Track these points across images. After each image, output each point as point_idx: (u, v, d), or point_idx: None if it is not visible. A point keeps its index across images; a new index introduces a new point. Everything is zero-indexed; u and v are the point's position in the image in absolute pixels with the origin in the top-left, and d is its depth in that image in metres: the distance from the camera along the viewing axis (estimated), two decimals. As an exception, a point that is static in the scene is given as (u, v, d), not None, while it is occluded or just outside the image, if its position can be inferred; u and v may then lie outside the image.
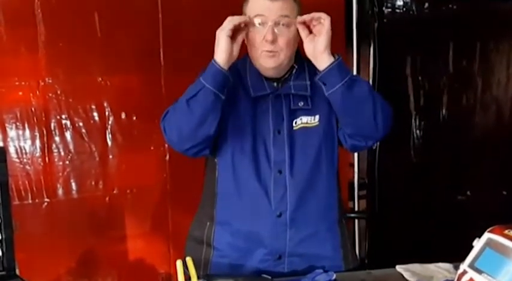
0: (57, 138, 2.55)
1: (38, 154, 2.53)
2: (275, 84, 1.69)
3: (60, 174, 2.56)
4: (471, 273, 1.26)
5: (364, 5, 2.97)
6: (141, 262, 2.71)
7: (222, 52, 1.56)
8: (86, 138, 2.59)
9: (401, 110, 3.01)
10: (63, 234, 2.56)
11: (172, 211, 2.71)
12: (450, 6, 2.97)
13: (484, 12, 2.95)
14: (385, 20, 2.96)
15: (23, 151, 2.51)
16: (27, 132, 2.51)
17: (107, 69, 2.58)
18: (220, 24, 1.59)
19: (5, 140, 2.48)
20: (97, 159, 2.61)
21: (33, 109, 2.51)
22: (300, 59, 1.71)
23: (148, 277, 2.71)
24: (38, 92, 2.51)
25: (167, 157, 2.68)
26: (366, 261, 3.06)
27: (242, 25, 1.59)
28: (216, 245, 1.71)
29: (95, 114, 2.60)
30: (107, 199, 2.64)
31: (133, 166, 2.66)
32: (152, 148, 2.67)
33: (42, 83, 2.51)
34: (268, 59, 1.62)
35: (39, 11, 2.46)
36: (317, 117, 1.69)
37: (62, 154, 2.56)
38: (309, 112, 1.68)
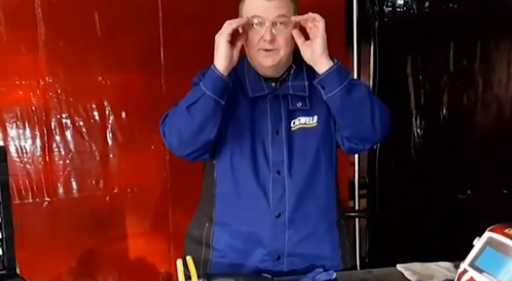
0: (57, 138, 2.55)
1: (38, 153, 2.53)
2: (273, 84, 1.69)
3: (61, 173, 2.57)
4: (471, 272, 1.26)
5: (365, 4, 2.96)
6: (142, 261, 2.72)
7: (222, 58, 1.56)
8: (86, 138, 2.59)
9: (402, 109, 3.00)
10: (64, 233, 2.57)
11: (172, 210, 2.72)
12: (451, 5, 2.97)
13: (484, 11, 2.94)
14: (385, 19, 2.96)
15: (24, 150, 2.51)
16: (28, 131, 2.51)
17: (107, 68, 2.59)
18: (221, 23, 1.59)
19: (5, 139, 2.48)
20: (97, 158, 2.61)
21: (33, 108, 2.51)
22: (298, 59, 1.70)
23: (148, 276, 2.71)
24: (38, 91, 2.51)
25: (167, 156, 2.68)
26: (367, 260, 3.06)
27: (241, 30, 1.59)
28: (215, 245, 1.72)
29: (96, 113, 2.60)
30: (108, 198, 2.64)
31: (134, 165, 2.66)
32: (153, 147, 2.67)
33: (43, 83, 2.51)
34: (267, 58, 1.62)
35: (39, 10, 2.46)
36: (315, 118, 1.69)
37: (63, 153, 2.56)
38: (308, 113, 1.68)
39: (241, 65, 1.70)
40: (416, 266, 1.68)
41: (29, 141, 2.52)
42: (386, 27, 2.96)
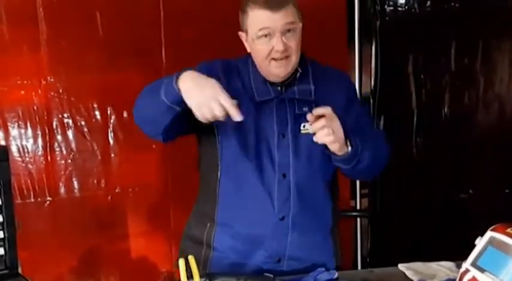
0: (59, 137, 2.56)
1: (40, 153, 2.53)
2: (279, 88, 1.68)
3: (62, 173, 2.57)
4: (473, 271, 1.26)
5: (366, 3, 2.96)
6: (143, 260, 2.72)
7: (196, 105, 1.46)
8: (87, 137, 2.59)
9: (403, 108, 3.00)
10: (66, 233, 2.57)
11: (174, 210, 2.72)
12: (452, 4, 2.97)
13: (486, 11, 2.94)
14: (387, 18, 2.96)
15: (25, 150, 2.51)
16: (29, 131, 2.51)
17: (109, 67, 2.59)
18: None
19: (7, 139, 2.48)
20: (99, 158, 2.62)
21: (35, 108, 2.51)
22: (303, 62, 1.70)
23: (150, 275, 2.71)
24: (40, 90, 2.51)
25: (169, 156, 2.68)
26: (368, 260, 3.06)
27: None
28: (216, 246, 1.71)
29: (97, 112, 2.60)
30: (109, 197, 2.64)
31: (135, 164, 2.66)
32: (154, 147, 2.67)
33: (44, 82, 2.51)
34: (280, 67, 1.61)
35: (41, 9, 2.47)
36: None
37: (64, 152, 2.57)
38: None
39: (246, 67, 1.70)
40: (418, 265, 1.68)
41: (31, 140, 2.52)
42: (388, 26, 2.96)
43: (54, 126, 2.55)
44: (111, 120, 2.62)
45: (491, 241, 1.26)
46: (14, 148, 2.49)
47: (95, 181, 2.62)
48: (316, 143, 1.58)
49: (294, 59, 1.62)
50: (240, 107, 1.60)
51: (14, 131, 2.50)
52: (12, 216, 1.52)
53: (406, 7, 2.97)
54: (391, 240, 2.99)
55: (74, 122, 2.57)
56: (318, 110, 1.53)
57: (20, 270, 1.55)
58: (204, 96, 1.47)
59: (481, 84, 3.03)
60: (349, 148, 1.58)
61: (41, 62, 2.50)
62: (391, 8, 2.97)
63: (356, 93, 1.90)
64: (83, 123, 2.58)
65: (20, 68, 2.49)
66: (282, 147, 1.66)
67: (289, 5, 1.58)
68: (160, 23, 2.63)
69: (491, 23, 2.95)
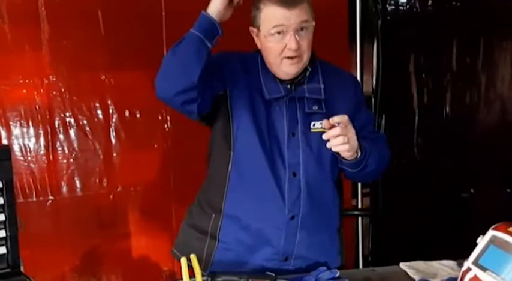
0: (61, 136, 2.56)
1: (42, 152, 2.54)
2: (288, 86, 1.68)
3: (65, 172, 2.57)
4: (475, 270, 1.27)
5: (368, 3, 2.96)
6: (145, 259, 2.72)
7: (218, 3, 1.55)
8: (89, 136, 2.60)
9: (405, 107, 3.00)
10: (68, 232, 2.58)
11: (175, 208, 2.72)
12: (453, 3, 2.96)
13: (487, 10, 2.93)
14: (388, 18, 2.96)
15: (27, 149, 2.52)
16: (32, 130, 2.52)
17: (111, 67, 2.59)
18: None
19: (9, 138, 2.49)
20: (101, 157, 2.62)
21: (37, 107, 2.52)
22: (313, 61, 1.70)
23: (152, 274, 2.71)
24: (42, 90, 2.52)
25: (171, 155, 2.69)
26: (369, 259, 3.06)
27: None
28: (222, 238, 1.70)
29: (99, 112, 2.61)
30: (111, 196, 2.65)
31: (137, 163, 2.67)
32: (156, 146, 2.68)
33: (46, 81, 2.52)
34: (292, 65, 1.62)
35: (42, 9, 2.47)
36: None
37: (66, 151, 2.57)
38: (325, 117, 1.63)
39: (254, 63, 1.70)
40: (420, 264, 1.68)
41: (33, 140, 2.52)
42: (389, 25, 2.96)
43: (56, 125, 2.55)
44: (113, 120, 2.62)
45: (493, 240, 1.27)
46: (16, 147, 2.50)
47: (97, 180, 2.62)
48: (325, 142, 1.58)
49: (306, 57, 1.63)
50: (251, 103, 1.64)
51: (16, 130, 2.50)
52: (15, 215, 1.53)
53: (408, 6, 2.97)
54: (392, 239, 2.99)
55: (76, 121, 2.57)
56: (335, 119, 1.52)
57: (22, 269, 1.55)
58: None
59: (483, 84, 3.03)
60: (359, 154, 1.59)
61: (43, 62, 2.50)
62: (393, 7, 2.96)
63: (364, 96, 1.91)
64: (84, 122, 2.59)
65: (22, 68, 2.49)
66: (292, 146, 1.66)
67: (304, 3, 1.59)
68: (162, 23, 2.63)
69: (492, 23, 2.95)
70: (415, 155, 3.04)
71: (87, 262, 2.63)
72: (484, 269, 1.24)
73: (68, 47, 2.52)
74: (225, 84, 1.67)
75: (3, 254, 1.51)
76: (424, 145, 3.03)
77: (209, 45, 1.55)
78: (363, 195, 3.10)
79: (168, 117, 2.66)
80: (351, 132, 1.54)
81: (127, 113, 2.63)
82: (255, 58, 1.70)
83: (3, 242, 1.51)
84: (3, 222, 1.51)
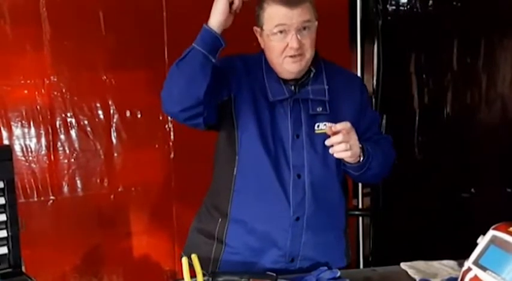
0: (62, 137, 2.56)
1: (43, 152, 2.54)
2: (292, 87, 1.68)
3: (66, 172, 2.58)
4: (475, 270, 1.27)
5: (368, 3, 2.96)
6: (146, 259, 2.72)
7: (219, 14, 1.55)
8: (91, 136, 2.60)
9: (405, 107, 3.00)
10: (69, 231, 2.58)
11: (177, 209, 2.72)
12: (454, 3, 2.96)
13: (488, 10, 2.93)
14: (389, 18, 2.96)
15: (29, 149, 2.52)
16: (33, 130, 2.52)
17: (112, 67, 2.59)
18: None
19: (10, 138, 2.49)
20: (102, 157, 2.63)
21: (38, 107, 2.52)
22: (317, 61, 1.70)
23: (153, 274, 2.72)
24: (43, 90, 2.52)
25: (172, 155, 2.69)
26: (370, 259, 3.06)
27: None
28: (228, 242, 1.71)
29: (100, 112, 2.61)
30: (112, 196, 2.65)
31: (138, 163, 2.67)
32: (157, 146, 2.68)
33: (47, 81, 2.52)
34: (294, 64, 1.62)
35: (44, 9, 2.47)
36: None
37: (67, 151, 2.57)
38: (328, 118, 1.66)
39: (258, 64, 1.70)
40: (420, 264, 1.68)
41: (34, 140, 2.53)
42: (390, 25, 2.96)
43: (58, 125, 2.55)
44: (114, 120, 2.62)
45: (494, 240, 1.27)
46: (17, 147, 2.50)
47: (98, 180, 2.63)
48: None
49: (308, 56, 1.63)
50: (256, 104, 1.64)
51: (17, 131, 2.50)
52: (16, 215, 1.54)
53: (408, 6, 2.97)
54: (393, 239, 2.99)
55: (77, 121, 2.58)
56: (337, 126, 1.53)
57: (23, 268, 1.56)
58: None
59: (483, 84, 3.03)
60: (361, 158, 1.60)
61: (44, 62, 2.51)
62: (393, 7, 2.97)
63: (369, 96, 1.91)
64: (86, 122, 2.59)
65: (23, 68, 2.49)
66: (297, 148, 1.67)
67: (307, 3, 1.59)
68: (163, 23, 2.63)
69: (493, 22, 2.95)
70: (416, 155, 3.04)
71: (89, 261, 2.63)
72: (484, 269, 1.25)
73: (69, 47, 2.53)
74: (229, 90, 1.67)
75: (5, 254, 1.52)
76: (424, 144, 3.03)
77: (213, 60, 1.56)
78: (363, 195, 3.10)
79: (169, 118, 2.67)
80: (354, 138, 1.55)
81: (128, 113, 2.63)
82: (258, 59, 1.70)
83: (5, 242, 1.52)
84: (5, 222, 1.52)
